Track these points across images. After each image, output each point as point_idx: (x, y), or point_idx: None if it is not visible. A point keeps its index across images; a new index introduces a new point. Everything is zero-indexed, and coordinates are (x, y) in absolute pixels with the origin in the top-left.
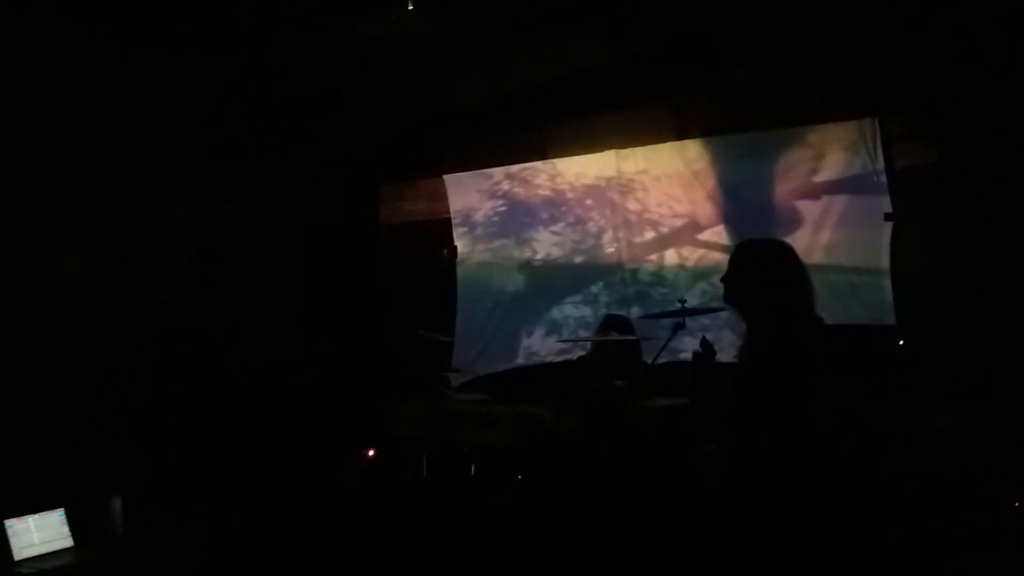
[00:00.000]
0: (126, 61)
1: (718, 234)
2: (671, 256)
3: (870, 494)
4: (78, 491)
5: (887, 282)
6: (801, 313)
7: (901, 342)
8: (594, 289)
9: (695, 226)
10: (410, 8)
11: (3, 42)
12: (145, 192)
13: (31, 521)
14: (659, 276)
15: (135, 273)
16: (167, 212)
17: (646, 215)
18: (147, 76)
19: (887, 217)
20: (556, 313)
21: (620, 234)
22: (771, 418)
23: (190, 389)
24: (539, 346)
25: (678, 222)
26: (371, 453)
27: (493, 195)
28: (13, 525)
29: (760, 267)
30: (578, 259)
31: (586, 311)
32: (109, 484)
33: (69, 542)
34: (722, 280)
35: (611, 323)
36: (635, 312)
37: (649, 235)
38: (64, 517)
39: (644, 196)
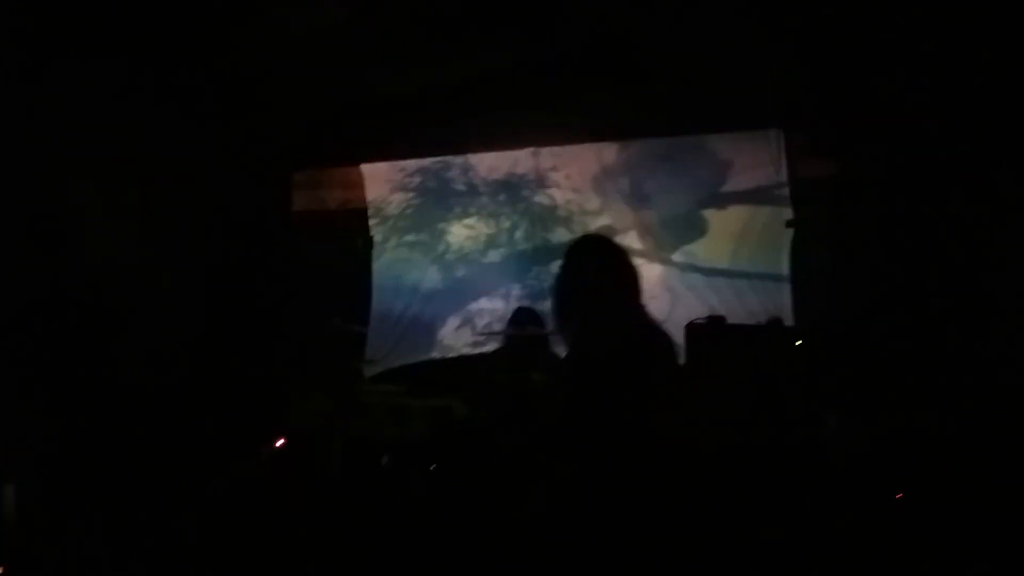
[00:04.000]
0: (35, 44)
1: (630, 237)
2: None
3: (751, 491)
4: None
5: (787, 285)
6: (625, 310)
7: (799, 342)
8: (507, 283)
9: (607, 228)
10: None
11: None
12: (46, 174)
13: None
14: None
15: (29, 256)
16: (68, 196)
17: (558, 213)
18: (53, 60)
19: (788, 224)
20: (470, 306)
21: (533, 230)
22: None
23: (88, 377)
24: (453, 339)
25: (590, 222)
26: (280, 444)
27: (408, 187)
28: None
29: (582, 267)
30: (491, 254)
31: (499, 304)
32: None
33: None
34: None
35: (522, 316)
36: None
37: (561, 233)
38: None
39: (556, 194)
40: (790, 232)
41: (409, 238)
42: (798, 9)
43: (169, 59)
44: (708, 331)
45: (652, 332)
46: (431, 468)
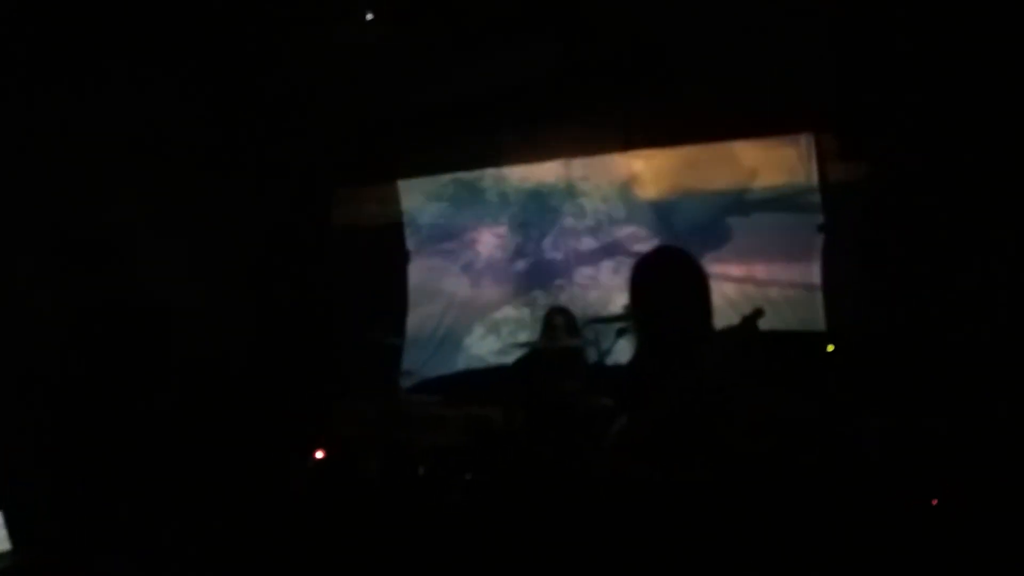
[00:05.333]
0: (82, 61)
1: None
2: (611, 262)
3: (790, 497)
4: (17, 493)
5: (819, 290)
6: (691, 323)
7: (830, 347)
8: (534, 292)
9: (635, 235)
10: (369, 18)
11: None
12: (93, 190)
13: None
14: (599, 280)
15: (74, 271)
16: (115, 212)
17: (587, 222)
18: (103, 75)
19: (820, 228)
20: (495, 314)
21: (563, 239)
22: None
23: (136, 390)
24: (479, 347)
25: (619, 230)
26: (320, 454)
27: (442, 196)
28: None
29: (653, 278)
30: (522, 263)
31: (525, 313)
32: (49, 486)
33: (6, 545)
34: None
35: (556, 313)
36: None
37: (590, 241)
38: (2, 519)
39: (585, 203)
40: (820, 237)
41: (442, 247)
42: (826, 11)
43: (213, 76)
44: (741, 336)
45: (722, 345)
46: (467, 477)
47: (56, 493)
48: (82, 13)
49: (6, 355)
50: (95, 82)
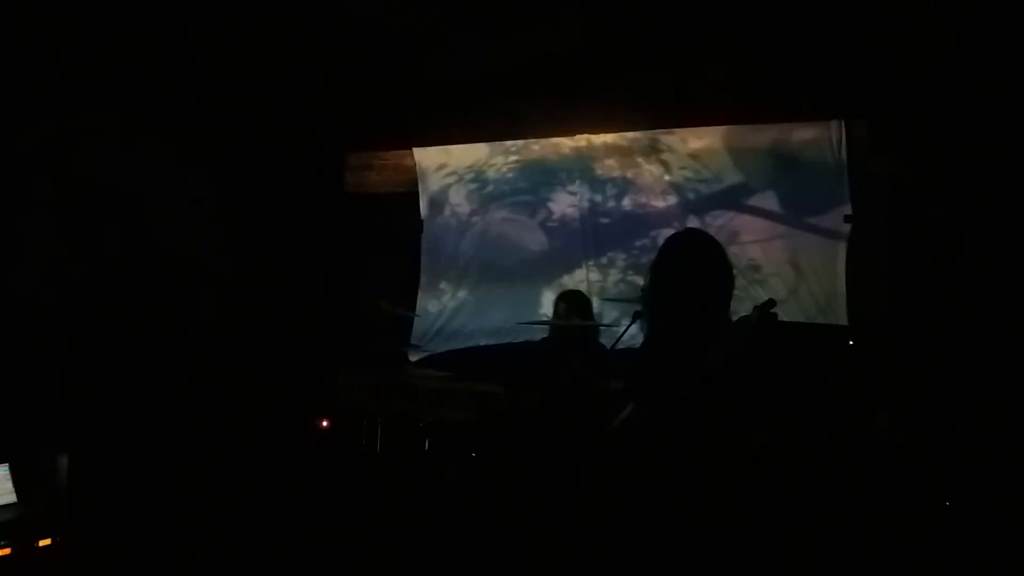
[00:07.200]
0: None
1: (677, 223)
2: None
3: (801, 493)
4: (23, 447)
5: (842, 283)
6: (707, 310)
7: (851, 342)
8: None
9: (657, 216)
10: None
11: None
12: (103, 145)
13: None
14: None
15: (83, 229)
16: (124, 167)
17: (607, 204)
18: (115, 27)
19: (846, 219)
20: (515, 292)
21: (580, 216)
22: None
23: (142, 351)
24: (497, 325)
25: (635, 208)
26: (325, 424)
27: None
28: None
29: (674, 261)
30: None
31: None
32: (55, 441)
33: (12, 498)
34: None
35: (568, 298)
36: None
37: (606, 220)
38: (8, 472)
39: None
40: (847, 227)
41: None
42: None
43: (232, 33)
44: (762, 327)
45: (738, 334)
46: (471, 455)
47: (62, 449)
48: None
49: (16, 303)
50: (112, 38)
